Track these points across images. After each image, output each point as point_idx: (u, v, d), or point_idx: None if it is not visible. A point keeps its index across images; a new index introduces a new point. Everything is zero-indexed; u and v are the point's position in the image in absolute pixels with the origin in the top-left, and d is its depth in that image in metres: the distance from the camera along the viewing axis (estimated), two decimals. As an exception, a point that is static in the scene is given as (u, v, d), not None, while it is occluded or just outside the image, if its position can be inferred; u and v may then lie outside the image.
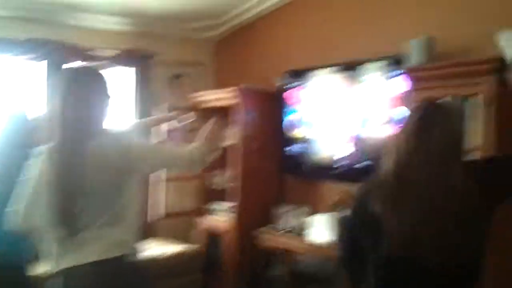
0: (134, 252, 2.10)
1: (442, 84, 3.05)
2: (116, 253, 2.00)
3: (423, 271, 1.67)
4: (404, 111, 3.41)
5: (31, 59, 4.72)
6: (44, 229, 2.06)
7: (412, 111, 1.82)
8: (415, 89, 3.19)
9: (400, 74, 3.51)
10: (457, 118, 1.84)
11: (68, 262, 1.99)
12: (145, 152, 2.12)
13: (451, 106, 1.83)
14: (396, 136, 1.81)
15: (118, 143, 2.06)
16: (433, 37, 3.30)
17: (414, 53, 3.28)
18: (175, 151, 2.19)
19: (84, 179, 1.98)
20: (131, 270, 2.05)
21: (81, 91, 2.06)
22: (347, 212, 2.11)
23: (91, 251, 1.98)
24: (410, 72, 3.23)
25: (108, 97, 2.16)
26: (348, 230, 1.95)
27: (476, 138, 2.90)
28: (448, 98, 3.02)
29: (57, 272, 2.02)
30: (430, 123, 1.72)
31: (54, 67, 4.74)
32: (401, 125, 1.85)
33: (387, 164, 1.78)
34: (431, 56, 3.27)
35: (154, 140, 2.63)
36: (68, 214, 1.98)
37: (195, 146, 2.18)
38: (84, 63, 4.78)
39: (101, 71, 2.22)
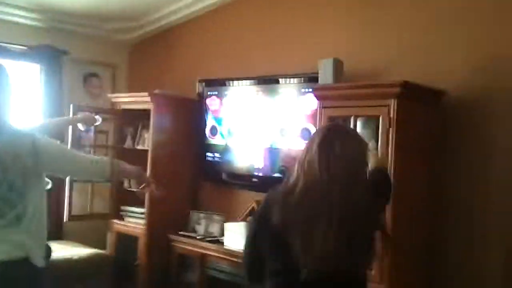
0: (38, 255, 2.03)
1: (347, 104, 3.22)
2: (19, 255, 1.94)
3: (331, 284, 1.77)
4: (313, 127, 3.57)
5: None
6: None
7: (317, 130, 1.98)
8: (322, 107, 3.34)
9: (311, 91, 3.67)
10: (356, 138, 1.95)
11: None
12: (54, 156, 2.08)
13: (351, 129, 1.99)
14: (303, 151, 1.90)
15: (28, 142, 1.99)
16: (341, 59, 3.47)
17: (323, 73, 3.44)
18: (80, 159, 2.18)
19: None
20: (34, 273, 1.99)
21: None
22: (252, 219, 2.20)
23: None
24: (317, 91, 3.38)
25: (10, 92, 2.08)
26: (251, 237, 2.02)
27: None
28: (351, 119, 3.21)
29: None
30: (332, 143, 1.82)
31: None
32: (307, 141, 1.95)
33: (293, 177, 1.88)
34: (338, 76, 3.44)
35: (61, 142, 2.55)
36: None
37: (99, 159, 2.23)
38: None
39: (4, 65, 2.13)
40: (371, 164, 2.18)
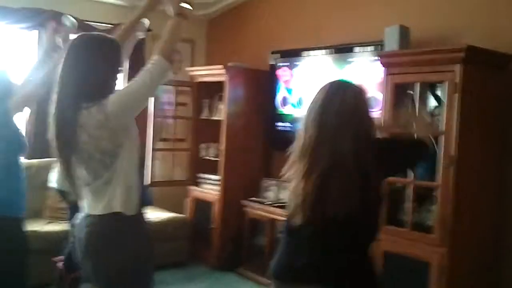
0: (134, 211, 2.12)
1: (412, 71, 3.22)
2: (117, 209, 2.07)
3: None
4: (381, 95, 3.59)
5: (24, 28, 4.83)
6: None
7: (321, 87, 1.94)
8: (388, 74, 3.37)
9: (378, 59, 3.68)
10: (356, 93, 1.90)
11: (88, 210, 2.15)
12: (120, 99, 2.06)
13: (351, 84, 1.92)
14: (307, 109, 1.96)
15: (105, 109, 2.03)
16: (407, 26, 3.46)
17: (389, 40, 3.45)
18: (142, 76, 2.09)
19: (76, 142, 2.03)
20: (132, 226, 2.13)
21: (91, 56, 2.09)
22: None
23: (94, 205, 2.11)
24: (383, 58, 3.39)
25: (118, 65, 2.18)
26: None
27: (442, 123, 3.11)
28: (417, 84, 3.22)
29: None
30: (332, 96, 1.87)
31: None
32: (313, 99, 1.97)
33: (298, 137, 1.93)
34: (405, 44, 3.43)
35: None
36: (68, 175, 2.10)
37: (153, 59, 2.15)
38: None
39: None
40: (413, 129, 2.20)
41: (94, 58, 2.11)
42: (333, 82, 1.92)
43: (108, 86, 2.15)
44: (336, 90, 1.87)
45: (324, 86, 1.90)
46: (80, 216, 2.20)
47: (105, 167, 2.07)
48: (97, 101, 2.04)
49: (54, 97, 2.10)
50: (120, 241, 2.09)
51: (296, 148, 1.89)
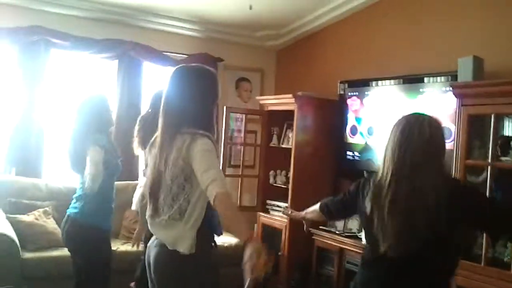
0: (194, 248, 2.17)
1: (487, 102, 3.18)
2: (177, 248, 2.17)
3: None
4: (453, 127, 3.54)
5: (106, 58, 5.15)
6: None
7: (397, 122, 1.93)
8: (461, 105, 3.33)
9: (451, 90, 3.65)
10: (434, 128, 1.89)
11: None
12: (197, 157, 2.11)
13: (427, 117, 1.89)
14: (386, 145, 1.94)
15: (189, 140, 2.13)
16: (480, 56, 3.43)
17: (463, 71, 3.42)
18: (205, 176, 2.08)
19: (166, 168, 2.17)
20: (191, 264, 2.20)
21: (190, 86, 2.22)
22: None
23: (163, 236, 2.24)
24: (456, 89, 3.36)
25: (215, 96, 2.27)
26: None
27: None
28: (492, 116, 3.16)
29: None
30: (410, 133, 1.85)
31: (125, 66, 5.18)
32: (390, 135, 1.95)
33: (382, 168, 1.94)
34: (479, 74, 3.39)
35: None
36: (155, 197, 2.23)
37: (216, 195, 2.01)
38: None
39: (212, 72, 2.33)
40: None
41: (195, 89, 2.24)
42: (409, 116, 1.92)
43: (207, 116, 2.25)
44: (414, 125, 1.86)
45: (400, 120, 1.91)
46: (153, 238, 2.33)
47: (183, 194, 2.18)
48: (195, 129, 2.17)
49: (160, 124, 2.25)
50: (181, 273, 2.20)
51: (377, 178, 1.90)
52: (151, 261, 2.28)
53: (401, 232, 1.78)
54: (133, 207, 3.74)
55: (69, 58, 5.08)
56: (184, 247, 2.17)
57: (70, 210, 3.19)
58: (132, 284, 3.82)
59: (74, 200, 3.21)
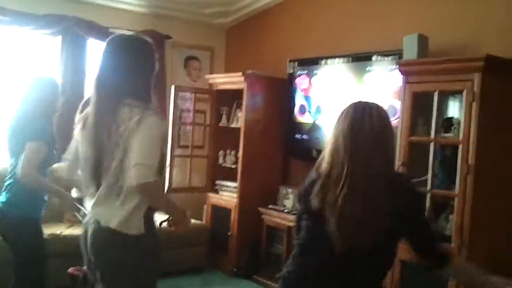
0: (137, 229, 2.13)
1: (431, 79, 3.22)
2: (110, 226, 2.09)
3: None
4: (399, 104, 3.59)
5: (48, 34, 4.92)
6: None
7: (343, 111, 1.90)
8: (406, 82, 3.37)
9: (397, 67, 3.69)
10: (383, 117, 1.86)
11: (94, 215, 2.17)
12: (140, 135, 2.04)
13: (375, 106, 1.87)
14: (333, 135, 1.89)
15: (137, 116, 2.06)
16: (426, 35, 3.46)
17: (408, 49, 3.45)
18: (142, 154, 2.03)
19: (110, 140, 2.06)
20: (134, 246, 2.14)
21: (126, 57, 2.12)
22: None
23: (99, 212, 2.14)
24: (401, 66, 3.40)
25: (154, 67, 2.20)
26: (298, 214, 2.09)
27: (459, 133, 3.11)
28: (435, 93, 3.21)
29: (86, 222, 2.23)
30: (360, 123, 1.82)
31: (69, 43, 4.98)
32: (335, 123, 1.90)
33: (325, 161, 1.88)
34: (424, 52, 3.43)
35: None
36: (97, 172, 2.12)
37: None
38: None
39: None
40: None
41: (133, 58, 2.14)
42: (356, 105, 1.88)
43: (148, 87, 2.18)
44: (363, 114, 1.83)
45: (347, 109, 1.87)
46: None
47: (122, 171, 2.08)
48: (141, 101, 2.10)
49: (93, 98, 2.14)
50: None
51: (325, 171, 1.85)
52: (90, 241, 2.19)
53: (361, 221, 1.74)
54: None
55: (9, 34, 4.84)
56: (123, 226, 2.10)
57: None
58: (71, 269, 3.69)
59: (3, 189, 3.05)
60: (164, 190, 2.32)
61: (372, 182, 1.76)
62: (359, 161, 1.78)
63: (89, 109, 2.16)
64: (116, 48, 2.17)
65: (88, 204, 2.24)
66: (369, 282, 1.87)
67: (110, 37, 2.23)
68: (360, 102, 1.89)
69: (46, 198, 3.09)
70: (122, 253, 2.13)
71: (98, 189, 2.14)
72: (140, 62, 2.16)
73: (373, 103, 1.88)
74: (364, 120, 1.81)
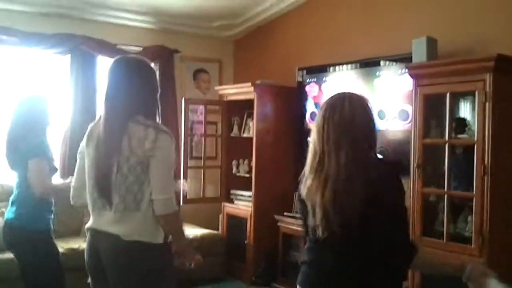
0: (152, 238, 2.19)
1: (441, 81, 3.24)
2: (134, 238, 2.15)
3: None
4: (410, 108, 3.61)
5: (57, 53, 4.99)
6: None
7: (324, 102, 1.94)
8: (417, 85, 3.39)
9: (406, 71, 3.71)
10: (355, 103, 1.87)
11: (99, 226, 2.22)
12: (160, 158, 2.14)
13: (348, 95, 1.90)
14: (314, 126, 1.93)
15: (153, 135, 2.13)
16: (434, 37, 3.49)
17: (417, 52, 3.47)
18: (159, 187, 2.16)
19: (119, 157, 2.14)
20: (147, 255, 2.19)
21: (129, 78, 2.21)
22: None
23: (118, 229, 2.17)
24: (411, 70, 3.42)
25: (155, 89, 2.28)
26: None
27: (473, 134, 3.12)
28: (447, 95, 3.23)
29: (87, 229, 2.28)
30: (333, 109, 1.85)
31: (78, 61, 5.04)
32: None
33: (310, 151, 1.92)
34: (433, 55, 3.46)
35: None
36: (105, 189, 2.17)
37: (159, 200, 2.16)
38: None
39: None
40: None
41: (142, 77, 2.24)
42: (334, 95, 1.93)
43: (155, 104, 2.27)
44: (335, 103, 1.87)
45: (327, 100, 1.93)
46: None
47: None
48: (150, 119, 2.19)
49: (103, 115, 2.21)
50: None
51: (308, 161, 1.90)
52: (106, 255, 2.21)
53: (336, 206, 1.77)
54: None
55: (19, 55, 4.91)
56: (148, 236, 2.16)
57: (8, 215, 3.08)
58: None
59: (10, 204, 3.10)
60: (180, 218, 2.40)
61: (345, 169, 1.78)
62: (331, 149, 1.81)
63: (100, 126, 2.23)
64: (124, 67, 2.26)
65: (97, 220, 2.26)
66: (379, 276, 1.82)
67: (116, 57, 2.31)
68: (337, 93, 1.93)
69: (53, 208, 3.13)
70: (149, 263, 2.18)
71: (107, 204, 2.18)
72: (147, 81, 2.26)
73: (348, 93, 1.92)
74: (336, 109, 1.84)
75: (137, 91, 2.21)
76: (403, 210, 1.85)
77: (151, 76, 2.30)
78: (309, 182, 1.86)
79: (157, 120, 2.28)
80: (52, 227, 3.15)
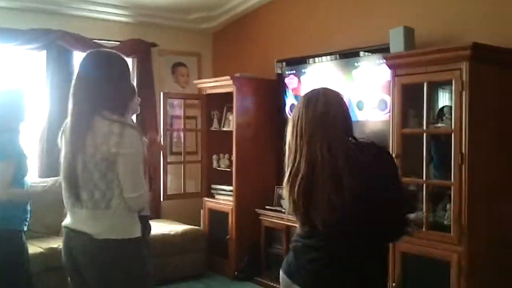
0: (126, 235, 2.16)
1: (419, 71, 3.24)
2: (108, 236, 2.11)
3: None
4: (388, 98, 3.60)
5: (32, 49, 4.90)
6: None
7: (300, 98, 1.94)
8: (394, 75, 3.39)
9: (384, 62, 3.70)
10: (329, 99, 1.85)
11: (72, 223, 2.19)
12: (127, 155, 2.09)
13: (322, 90, 1.90)
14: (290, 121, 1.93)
15: (118, 130, 2.09)
16: (412, 26, 3.48)
17: (394, 42, 3.46)
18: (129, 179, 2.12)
19: (84, 154, 2.09)
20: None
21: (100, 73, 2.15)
22: None
23: (90, 228, 2.13)
24: (389, 60, 3.41)
25: (125, 83, 2.23)
26: None
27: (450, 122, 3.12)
28: (424, 84, 3.23)
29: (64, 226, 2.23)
30: (306, 105, 1.84)
31: (54, 57, 4.95)
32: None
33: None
34: (410, 45, 3.45)
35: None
36: (74, 185, 2.12)
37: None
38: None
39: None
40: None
41: (111, 71, 2.17)
42: (308, 91, 1.92)
43: (125, 99, 2.22)
44: (310, 99, 1.86)
45: (302, 96, 1.92)
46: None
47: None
48: (116, 114, 2.12)
49: (69, 109, 2.16)
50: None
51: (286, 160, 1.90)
52: (79, 254, 2.17)
53: (314, 202, 1.77)
54: None
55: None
56: (122, 233, 2.13)
57: None
58: None
59: None
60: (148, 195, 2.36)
61: (324, 159, 1.77)
62: (304, 146, 1.81)
63: (68, 119, 2.19)
64: (93, 60, 2.20)
65: (71, 217, 2.22)
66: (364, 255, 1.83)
67: (88, 51, 2.25)
68: (312, 89, 1.92)
69: (28, 208, 3.04)
70: (120, 259, 2.13)
71: (77, 202, 2.15)
72: (116, 74, 2.19)
73: (321, 88, 1.91)
74: (310, 105, 1.83)
75: (104, 85, 2.14)
76: (399, 184, 1.86)
77: (121, 69, 2.22)
78: (287, 177, 1.85)
79: (127, 115, 2.23)
80: (25, 227, 3.04)
